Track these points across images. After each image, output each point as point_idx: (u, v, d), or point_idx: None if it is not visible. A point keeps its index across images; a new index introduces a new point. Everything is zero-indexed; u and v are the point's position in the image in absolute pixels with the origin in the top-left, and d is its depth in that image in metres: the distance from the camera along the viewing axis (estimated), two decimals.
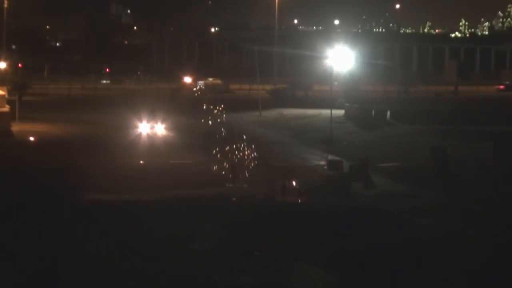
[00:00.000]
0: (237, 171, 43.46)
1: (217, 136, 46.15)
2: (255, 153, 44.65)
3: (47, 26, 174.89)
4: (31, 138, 57.95)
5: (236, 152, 44.33)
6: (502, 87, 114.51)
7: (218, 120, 47.61)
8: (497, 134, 51.39)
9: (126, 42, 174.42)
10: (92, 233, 30.60)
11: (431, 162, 45.32)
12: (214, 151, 44.56)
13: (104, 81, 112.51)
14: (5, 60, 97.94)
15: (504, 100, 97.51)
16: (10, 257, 27.26)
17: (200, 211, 34.97)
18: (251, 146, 44.77)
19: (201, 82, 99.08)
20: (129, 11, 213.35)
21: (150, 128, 56.70)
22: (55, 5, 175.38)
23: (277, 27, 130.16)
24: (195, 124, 57.11)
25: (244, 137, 45.62)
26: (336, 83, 52.73)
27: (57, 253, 27.90)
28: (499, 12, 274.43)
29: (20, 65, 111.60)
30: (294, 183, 41.21)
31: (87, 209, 34.77)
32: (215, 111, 48.01)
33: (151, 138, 55.63)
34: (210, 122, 47.79)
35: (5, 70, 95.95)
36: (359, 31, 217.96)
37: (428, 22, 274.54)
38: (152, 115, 59.01)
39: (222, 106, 48.27)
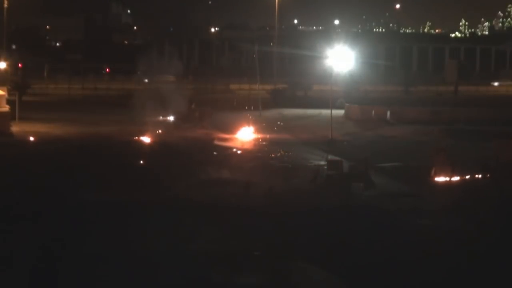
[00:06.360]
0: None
1: None
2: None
3: (47, 26, 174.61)
4: (31, 138, 57.87)
5: None
6: None
7: None
8: (498, 134, 51.48)
9: (126, 42, 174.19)
10: (92, 233, 30.60)
11: (431, 162, 45.27)
12: None
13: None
14: (5, 60, 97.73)
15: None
16: (10, 257, 27.27)
17: (200, 210, 34.99)
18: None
19: None
20: (129, 11, 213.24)
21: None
22: (55, 5, 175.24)
23: (277, 27, 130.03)
24: None
25: None
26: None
27: (57, 253, 27.90)
28: (499, 12, 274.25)
29: (20, 65, 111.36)
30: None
31: (87, 209, 34.74)
32: None
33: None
34: None
35: (5, 70, 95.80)
36: (359, 31, 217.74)
37: (428, 22, 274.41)
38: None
39: None
